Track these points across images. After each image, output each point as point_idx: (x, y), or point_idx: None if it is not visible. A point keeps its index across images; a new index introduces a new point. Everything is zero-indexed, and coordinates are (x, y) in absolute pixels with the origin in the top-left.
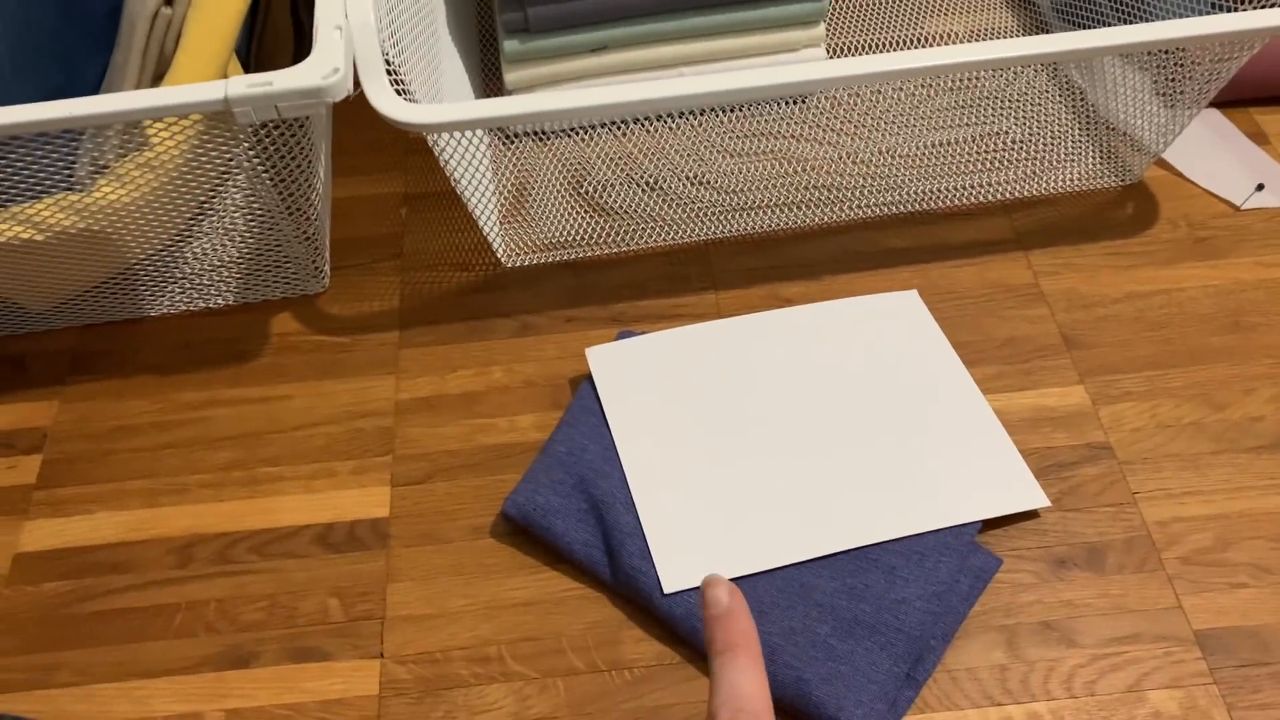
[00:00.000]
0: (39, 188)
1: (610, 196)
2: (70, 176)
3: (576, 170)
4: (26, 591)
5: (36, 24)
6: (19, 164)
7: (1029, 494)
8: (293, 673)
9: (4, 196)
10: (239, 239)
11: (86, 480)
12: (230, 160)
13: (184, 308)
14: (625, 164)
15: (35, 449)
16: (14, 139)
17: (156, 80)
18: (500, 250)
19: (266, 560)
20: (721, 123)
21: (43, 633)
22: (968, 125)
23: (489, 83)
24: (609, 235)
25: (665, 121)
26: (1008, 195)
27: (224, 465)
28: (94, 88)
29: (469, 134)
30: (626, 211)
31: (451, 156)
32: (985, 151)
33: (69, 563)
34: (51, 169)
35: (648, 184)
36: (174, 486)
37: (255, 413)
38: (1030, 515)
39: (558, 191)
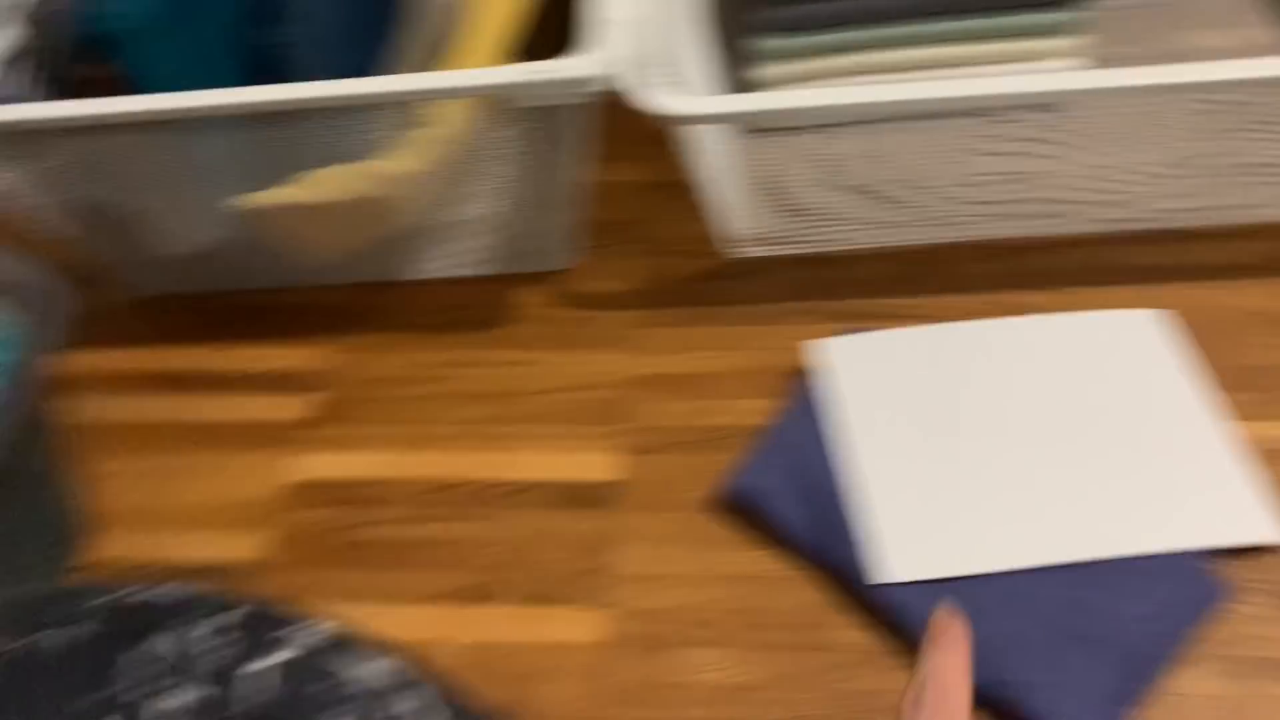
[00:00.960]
0: (334, 155)
1: (845, 196)
2: (362, 146)
3: (815, 167)
4: (303, 515)
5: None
6: (328, 132)
7: (1265, 527)
8: (527, 614)
9: (310, 162)
10: (500, 214)
11: (354, 421)
12: (503, 140)
13: (445, 274)
14: (863, 163)
15: (314, 389)
16: (330, 110)
17: (439, 61)
18: (734, 240)
19: (507, 510)
20: (964, 128)
21: (314, 554)
22: (1228, 142)
23: (727, 76)
24: (840, 233)
25: (908, 124)
26: (1270, 218)
27: (472, 420)
28: (376, 66)
29: (719, 127)
30: (859, 211)
31: (697, 148)
32: (1246, 171)
33: (337, 493)
34: (348, 138)
35: (882, 185)
36: (428, 435)
37: (502, 375)
38: (1269, 549)
39: (795, 187)
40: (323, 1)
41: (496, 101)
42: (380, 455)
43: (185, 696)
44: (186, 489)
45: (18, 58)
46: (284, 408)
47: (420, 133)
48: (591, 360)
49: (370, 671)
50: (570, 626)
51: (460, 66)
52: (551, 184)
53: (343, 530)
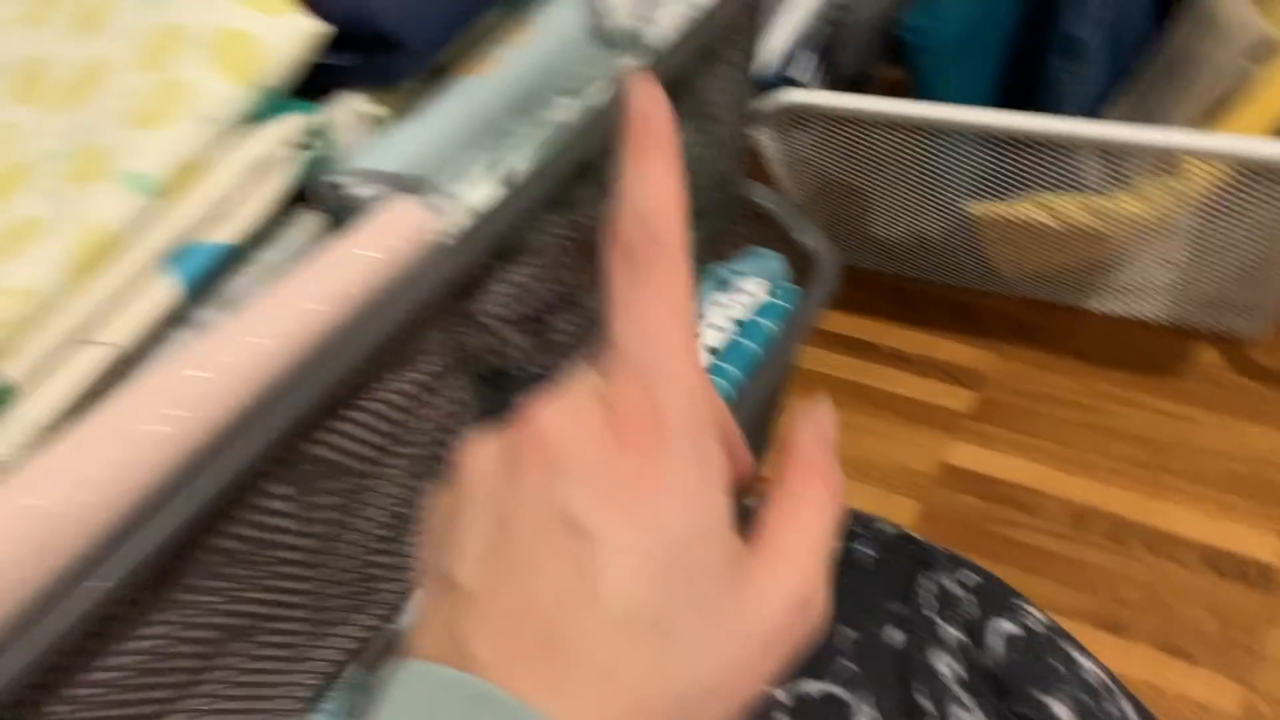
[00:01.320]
0: (1069, 184)
1: None
2: (1097, 180)
3: None
4: (947, 495)
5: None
6: (1072, 162)
7: None
8: (1158, 659)
9: (1044, 185)
10: (1204, 269)
11: (1007, 426)
12: (1242, 205)
13: (1120, 311)
14: None
15: (972, 386)
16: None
17: (1211, 120)
18: None
19: (1152, 555)
20: None
21: (954, 534)
22: None
23: None
24: None
25: None
26: None
27: (1125, 458)
28: (1119, 106)
29: None
30: None
31: None
32: None
33: (983, 487)
34: (1076, 171)
35: None
36: (1079, 459)
37: (1163, 423)
38: None
39: None
40: (1101, 47)
41: (1260, 170)
42: (1030, 465)
43: (953, 633)
44: (852, 442)
45: (805, 45)
46: (945, 395)
47: (1159, 181)
48: (1262, 435)
49: (1088, 666)
50: (1207, 689)
51: (1236, 130)
52: (1276, 254)
53: (984, 522)
